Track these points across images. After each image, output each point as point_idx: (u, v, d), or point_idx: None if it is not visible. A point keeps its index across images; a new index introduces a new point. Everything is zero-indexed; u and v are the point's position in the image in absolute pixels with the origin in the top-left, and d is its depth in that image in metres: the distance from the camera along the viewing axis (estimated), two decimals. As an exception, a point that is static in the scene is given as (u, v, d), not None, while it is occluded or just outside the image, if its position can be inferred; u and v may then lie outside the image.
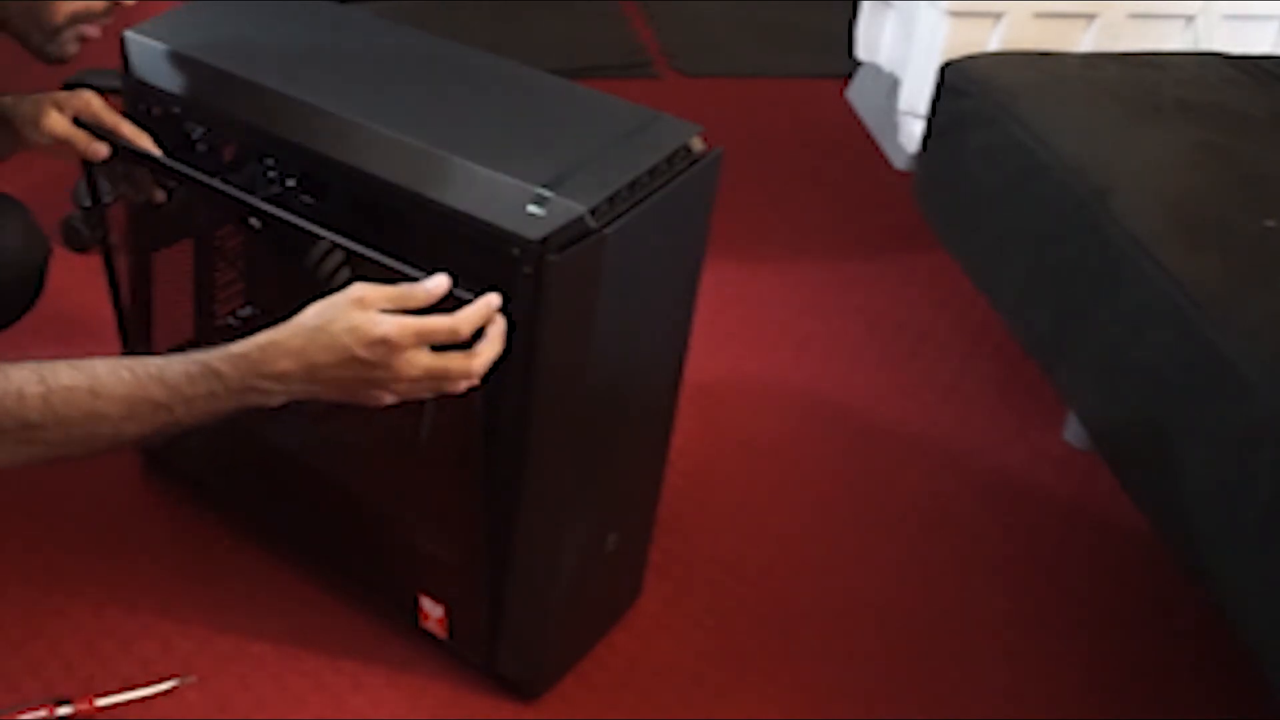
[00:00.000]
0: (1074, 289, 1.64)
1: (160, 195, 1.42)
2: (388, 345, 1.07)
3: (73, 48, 1.40)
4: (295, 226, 1.22)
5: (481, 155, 1.20)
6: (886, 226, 2.39)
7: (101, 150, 1.34)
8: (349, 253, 1.25)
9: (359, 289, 1.09)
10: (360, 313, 1.08)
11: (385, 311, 1.09)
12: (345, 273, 1.36)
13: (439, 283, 1.10)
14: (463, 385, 1.12)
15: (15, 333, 1.84)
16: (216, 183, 1.28)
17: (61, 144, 1.34)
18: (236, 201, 1.27)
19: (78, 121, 1.34)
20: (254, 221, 1.32)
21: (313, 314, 1.10)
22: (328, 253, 1.36)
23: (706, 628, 1.59)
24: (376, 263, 1.20)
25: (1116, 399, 1.56)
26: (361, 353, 1.07)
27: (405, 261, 1.21)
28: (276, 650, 1.49)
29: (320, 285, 1.36)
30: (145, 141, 1.35)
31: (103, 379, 1.08)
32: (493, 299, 1.12)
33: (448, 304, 1.12)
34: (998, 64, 1.93)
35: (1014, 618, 1.65)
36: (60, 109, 1.34)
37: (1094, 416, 1.64)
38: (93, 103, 1.35)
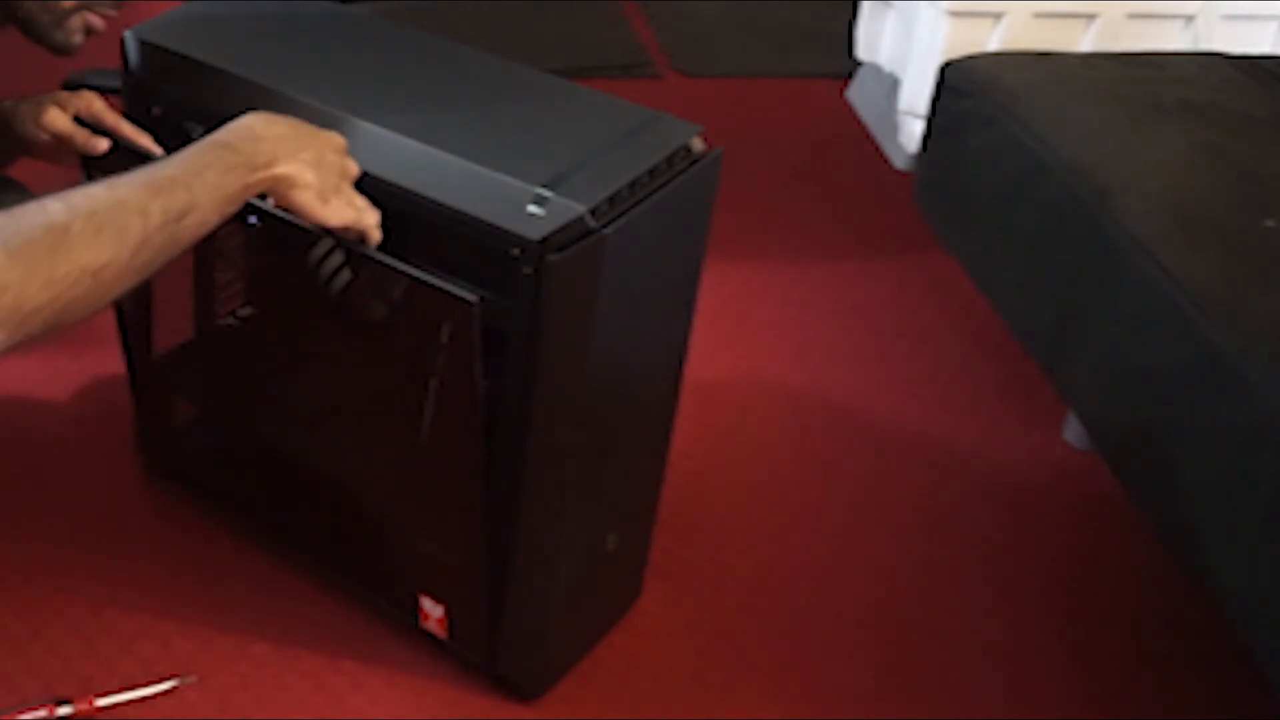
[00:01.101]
0: (1074, 289, 1.64)
1: None
2: (341, 153, 1.22)
3: (78, 38, 1.40)
4: (294, 225, 1.22)
5: (481, 155, 1.21)
6: (886, 226, 2.39)
7: (101, 144, 1.34)
8: (349, 252, 1.26)
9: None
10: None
11: None
12: (346, 274, 1.37)
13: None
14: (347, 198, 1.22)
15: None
16: None
17: (62, 141, 1.34)
18: None
19: (79, 121, 1.34)
20: (252, 219, 1.32)
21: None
22: (328, 253, 1.37)
23: (706, 628, 1.59)
24: (376, 261, 1.20)
25: (1116, 399, 1.56)
26: (329, 143, 1.21)
27: (405, 261, 1.21)
28: (276, 650, 1.49)
29: (321, 285, 1.37)
30: (145, 140, 1.35)
31: (116, 178, 1.09)
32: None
33: None
34: (998, 64, 1.93)
35: (1014, 617, 1.65)
36: (62, 108, 1.34)
37: (1094, 416, 1.64)
38: (94, 103, 1.35)
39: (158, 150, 1.35)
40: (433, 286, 1.17)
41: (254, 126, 1.18)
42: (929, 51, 2.25)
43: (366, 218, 1.22)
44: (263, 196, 1.19)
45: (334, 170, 1.20)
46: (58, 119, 1.33)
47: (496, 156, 1.20)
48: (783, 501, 1.79)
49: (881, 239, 2.36)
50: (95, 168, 1.38)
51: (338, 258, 1.36)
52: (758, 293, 2.19)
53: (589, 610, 1.51)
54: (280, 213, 1.23)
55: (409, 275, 1.18)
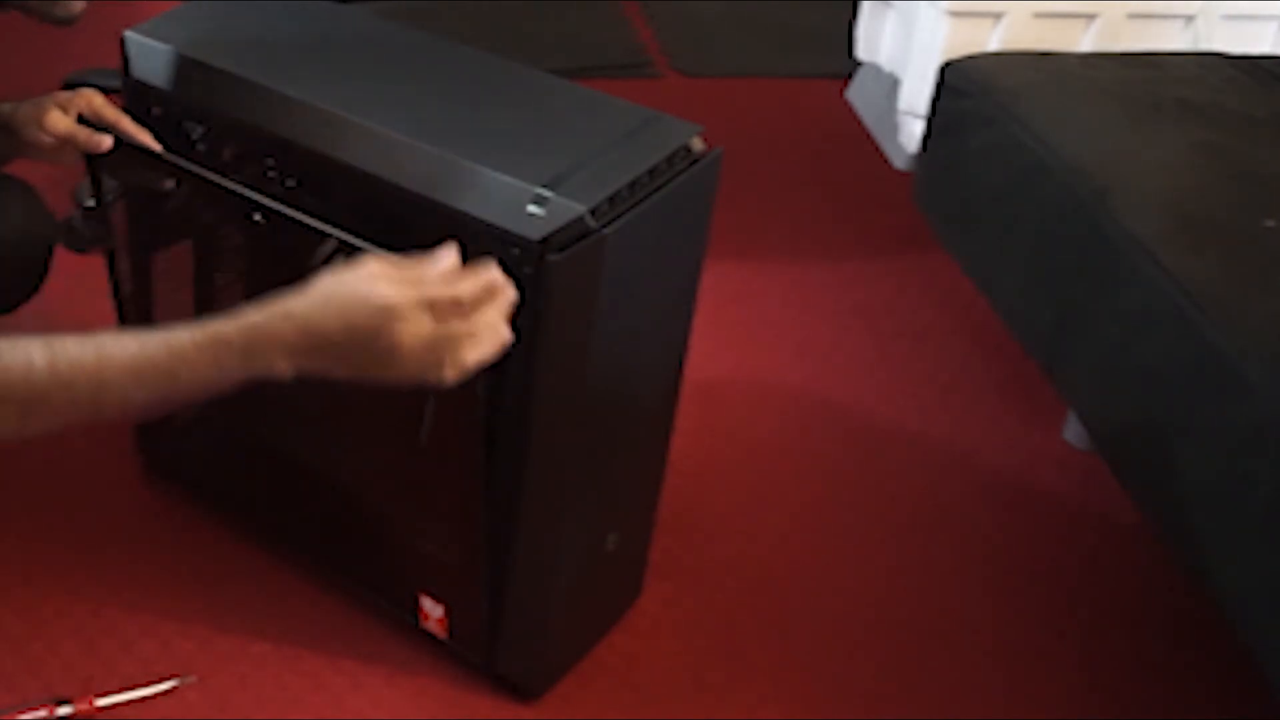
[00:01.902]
0: (1074, 289, 1.64)
1: (169, 181, 1.41)
2: (389, 312, 1.02)
3: (78, 6, 1.39)
4: (297, 222, 1.22)
5: (481, 155, 1.21)
6: (886, 226, 2.39)
7: (105, 142, 1.34)
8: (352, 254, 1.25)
9: (369, 261, 1.06)
10: (360, 279, 1.04)
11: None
12: None
13: (449, 257, 1.06)
14: (472, 354, 1.06)
15: (18, 337, 1.83)
16: (216, 178, 1.28)
17: (64, 142, 1.34)
18: (238, 196, 1.27)
19: (81, 120, 1.34)
20: (257, 217, 1.32)
21: (322, 283, 1.06)
22: (329, 257, 1.37)
23: (706, 628, 1.59)
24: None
25: (1116, 399, 1.56)
26: (364, 321, 1.03)
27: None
28: (276, 650, 1.49)
29: None
30: (146, 137, 1.35)
31: (109, 348, 1.07)
32: (494, 270, 1.06)
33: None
34: (998, 64, 1.93)
35: (1013, 617, 1.65)
36: (64, 109, 1.34)
37: (1094, 416, 1.64)
38: (95, 100, 1.35)
39: (157, 147, 1.35)
40: (467, 253, 1.16)
41: (267, 330, 1.05)
42: (929, 51, 2.24)
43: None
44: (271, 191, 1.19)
45: (365, 340, 1.04)
46: (60, 121, 1.33)
47: (496, 156, 1.20)
48: (783, 501, 1.79)
49: (881, 239, 2.36)
50: (99, 166, 1.38)
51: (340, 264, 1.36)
52: (758, 293, 2.19)
53: (589, 610, 1.51)
54: (280, 207, 1.23)
55: (441, 241, 1.17)
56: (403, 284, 1.03)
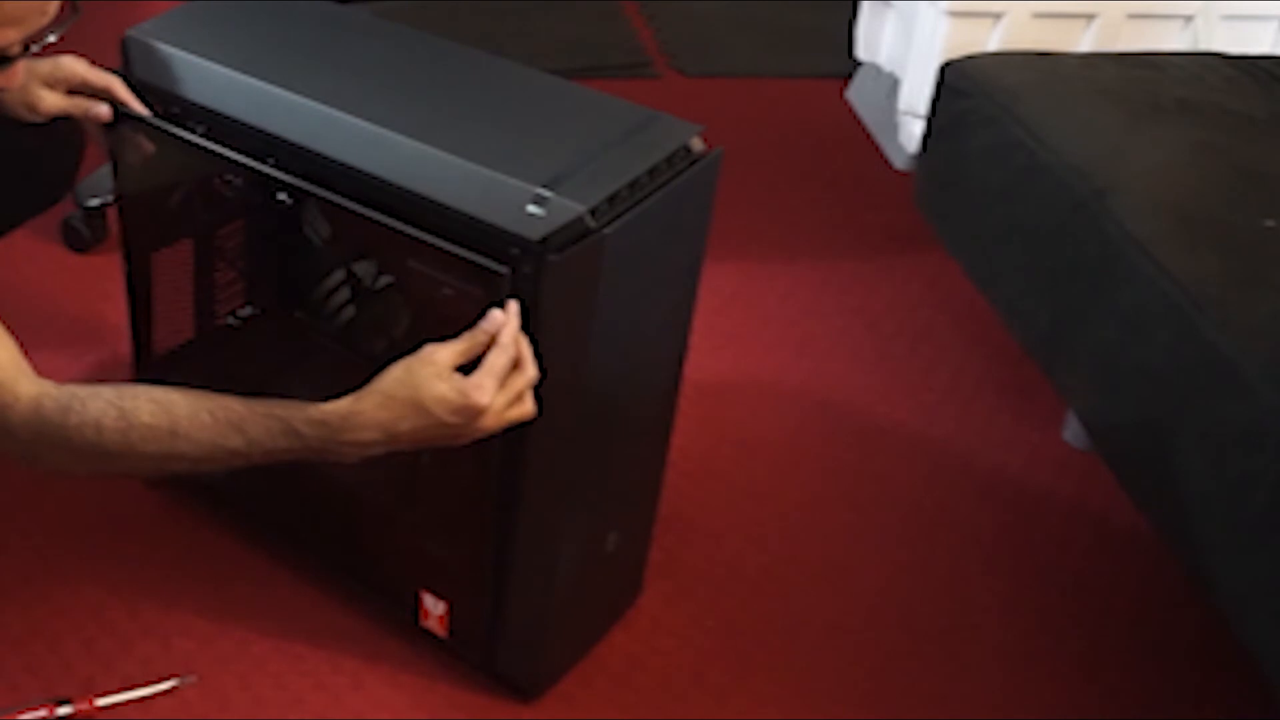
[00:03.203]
0: (1073, 289, 1.64)
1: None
2: (474, 410, 1.13)
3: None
4: (325, 200, 1.23)
5: (481, 155, 1.20)
6: (886, 226, 2.39)
7: (104, 111, 1.34)
8: (354, 289, 1.29)
9: (431, 352, 1.13)
10: (442, 382, 1.12)
11: (460, 369, 1.14)
12: (351, 310, 1.39)
13: (495, 319, 1.14)
14: (499, 424, 1.16)
15: (18, 337, 1.84)
16: (244, 159, 1.31)
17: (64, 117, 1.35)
18: (265, 176, 1.29)
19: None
20: (281, 196, 1.33)
21: (393, 383, 1.13)
22: (336, 288, 1.40)
23: (706, 628, 1.59)
24: (404, 234, 1.20)
25: (1116, 399, 1.56)
26: (449, 419, 1.13)
27: (406, 260, 1.21)
28: (276, 650, 1.49)
29: (327, 318, 1.40)
30: (137, 104, 1.36)
31: (183, 422, 1.13)
32: (496, 315, 1.15)
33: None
34: (998, 64, 1.93)
35: (1013, 617, 1.65)
36: (51, 86, 1.34)
37: (1094, 416, 1.64)
38: (77, 68, 1.35)
39: (144, 111, 1.35)
40: (462, 259, 1.18)
41: (342, 430, 1.14)
42: (929, 51, 2.24)
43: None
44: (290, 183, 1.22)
45: (444, 431, 1.15)
46: (53, 101, 1.33)
47: (496, 156, 1.20)
48: (783, 501, 1.80)
49: (881, 239, 2.36)
50: (115, 137, 1.39)
51: (345, 294, 1.37)
52: (758, 293, 2.19)
53: (589, 610, 1.51)
54: (317, 189, 1.24)
55: (436, 247, 1.18)
56: (477, 390, 1.12)
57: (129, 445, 1.12)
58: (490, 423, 1.14)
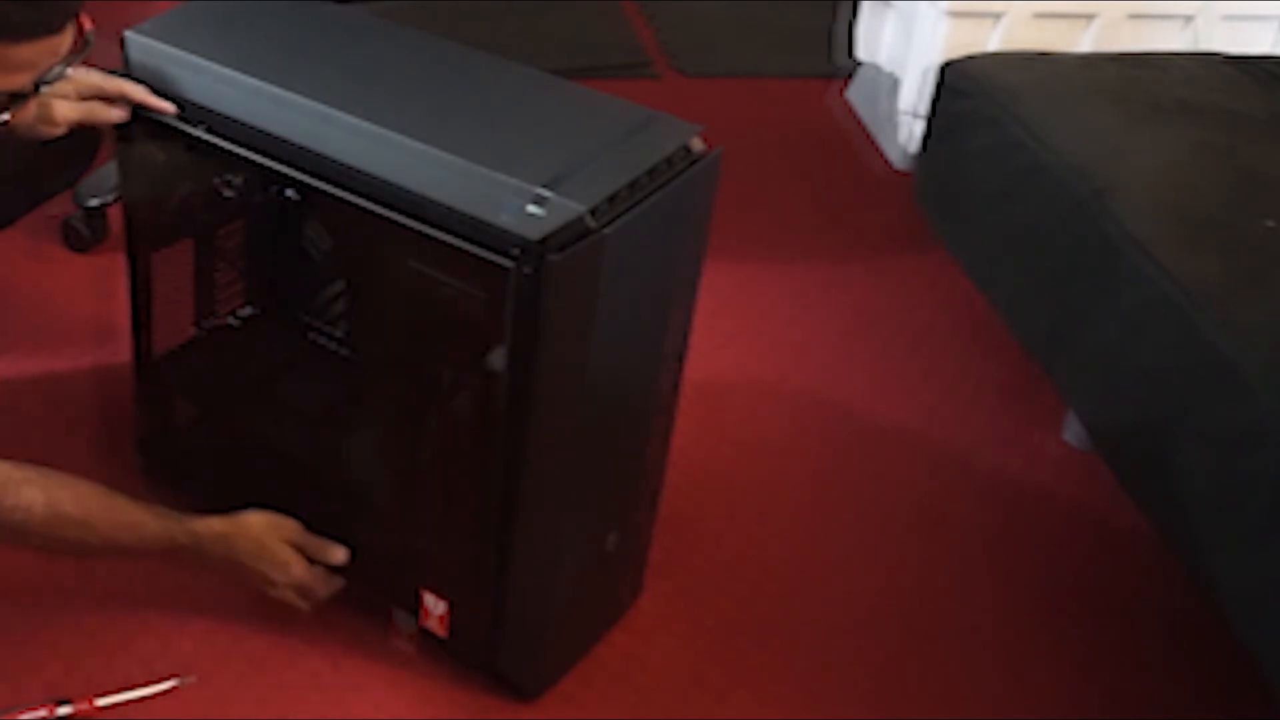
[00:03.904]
0: (1073, 289, 1.64)
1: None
2: (291, 579, 1.44)
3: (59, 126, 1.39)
4: (332, 197, 1.23)
5: (481, 155, 1.20)
6: (886, 226, 2.39)
7: (119, 114, 1.36)
8: (352, 300, 1.28)
9: (289, 558, 1.44)
10: (290, 566, 1.43)
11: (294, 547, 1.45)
12: (350, 310, 1.39)
13: (339, 556, 1.46)
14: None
15: (18, 337, 1.84)
16: (252, 154, 1.30)
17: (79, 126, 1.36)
18: (273, 173, 1.29)
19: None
20: (289, 192, 1.33)
21: (254, 545, 1.42)
22: (336, 289, 1.41)
23: (706, 628, 1.59)
24: (409, 228, 1.20)
25: (1116, 399, 1.56)
26: (276, 576, 1.44)
27: (406, 260, 1.21)
28: (276, 650, 1.49)
29: (329, 315, 1.42)
30: (155, 101, 1.36)
31: (96, 521, 1.35)
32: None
33: None
34: (998, 64, 1.93)
35: (1013, 617, 1.65)
36: (65, 97, 1.34)
37: (1094, 416, 1.64)
38: (90, 76, 1.35)
39: (168, 107, 1.35)
40: (462, 259, 1.18)
41: (208, 550, 1.41)
42: (929, 51, 2.25)
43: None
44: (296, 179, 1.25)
45: (263, 580, 1.44)
46: (69, 110, 1.34)
47: (497, 156, 1.20)
48: (783, 501, 1.80)
49: (881, 239, 2.36)
50: (125, 136, 1.39)
51: (344, 294, 1.38)
52: (757, 293, 2.19)
53: (589, 609, 1.51)
54: (326, 186, 1.25)
55: (436, 247, 1.19)
56: (294, 568, 1.44)
57: (49, 533, 1.32)
58: (293, 580, 1.44)
